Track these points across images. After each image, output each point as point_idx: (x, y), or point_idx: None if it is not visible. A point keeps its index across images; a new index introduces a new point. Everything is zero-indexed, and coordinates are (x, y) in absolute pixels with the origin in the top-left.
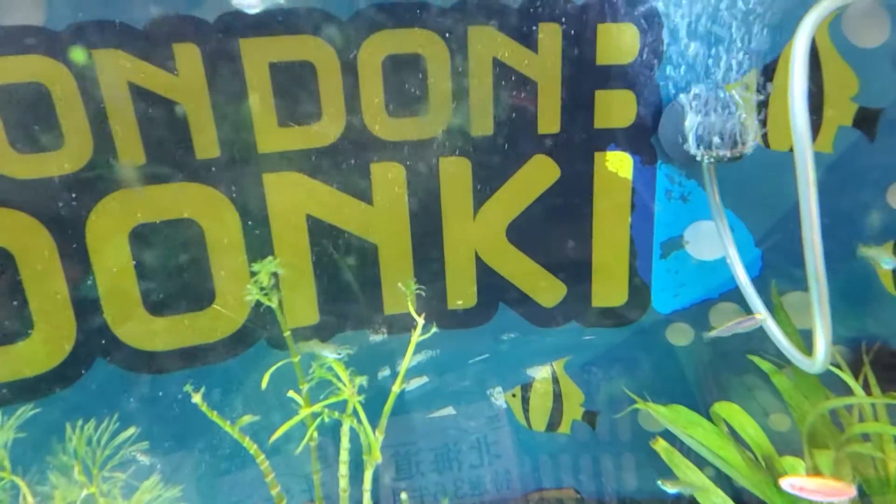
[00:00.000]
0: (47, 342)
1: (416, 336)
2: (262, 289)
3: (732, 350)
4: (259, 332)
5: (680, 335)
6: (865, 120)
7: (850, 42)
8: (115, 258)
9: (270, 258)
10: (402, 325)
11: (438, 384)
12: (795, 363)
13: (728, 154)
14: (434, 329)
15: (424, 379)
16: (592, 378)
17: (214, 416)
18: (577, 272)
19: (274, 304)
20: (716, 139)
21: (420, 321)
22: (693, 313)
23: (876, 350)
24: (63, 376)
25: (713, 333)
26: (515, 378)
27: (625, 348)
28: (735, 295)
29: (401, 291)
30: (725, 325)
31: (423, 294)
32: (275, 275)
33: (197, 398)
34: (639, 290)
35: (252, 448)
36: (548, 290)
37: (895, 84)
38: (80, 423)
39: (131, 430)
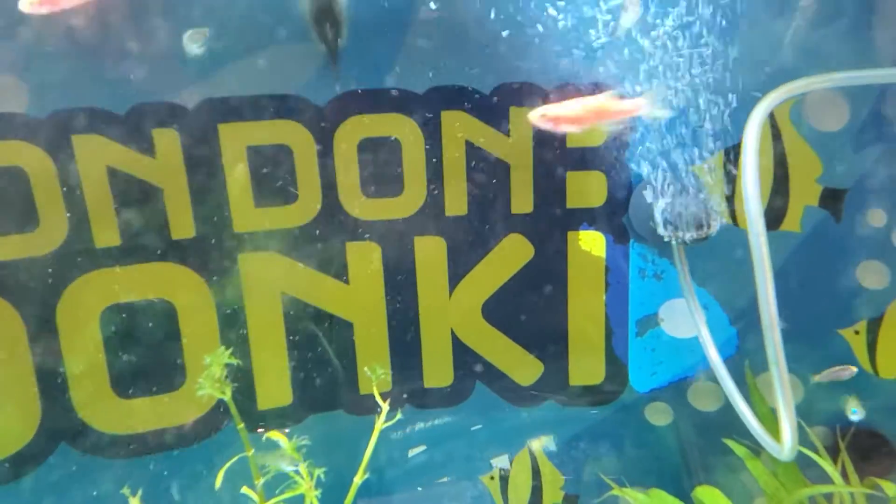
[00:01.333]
0: (10, 426)
1: (379, 423)
2: (216, 380)
3: (715, 430)
4: (228, 415)
5: (659, 414)
6: (831, 200)
7: (812, 126)
8: (86, 339)
9: (223, 349)
10: (374, 406)
11: (415, 465)
12: (767, 448)
13: (693, 235)
14: (399, 416)
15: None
16: (572, 459)
17: None
18: (553, 350)
19: (226, 397)
20: (681, 220)
21: (385, 407)
22: (671, 392)
23: (853, 432)
24: (25, 461)
25: (817, 379)
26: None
27: (604, 428)
28: (713, 373)
29: (380, 371)
30: (826, 371)
31: (386, 377)
32: (230, 364)
33: (135, 502)
34: (616, 368)
35: None
36: (524, 368)
37: (857, 165)
38: None
39: None
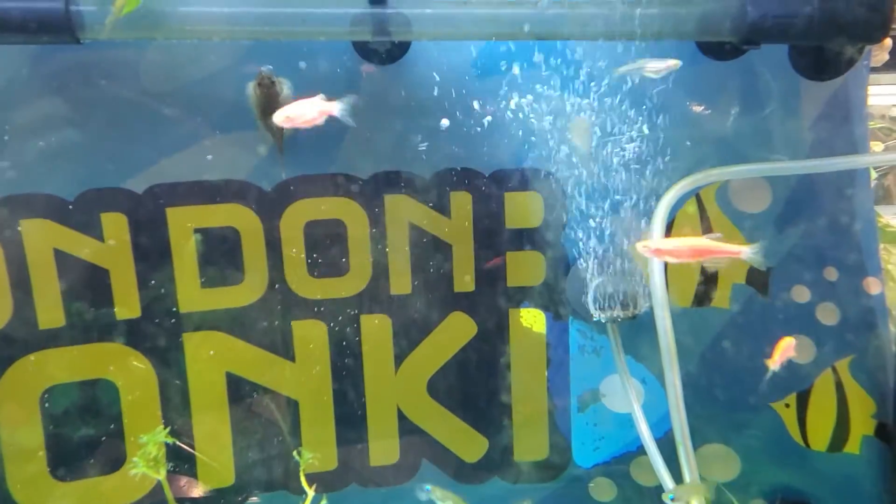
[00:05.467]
0: None
1: None
2: (151, 459)
3: None
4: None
5: (603, 490)
6: (757, 278)
7: (736, 209)
8: (24, 421)
9: (160, 428)
10: (322, 485)
11: None
12: None
13: (620, 315)
14: (324, 501)
15: None
16: None
17: None
18: (497, 426)
19: (161, 477)
20: (610, 300)
21: (311, 492)
22: (615, 467)
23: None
24: None
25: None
26: None
27: None
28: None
29: (308, 456)
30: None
31: (316, 462)
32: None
33: None
34: (559, 443)
35: None
36: (470, 444)
37: (781, 245)
38: None
39: None
